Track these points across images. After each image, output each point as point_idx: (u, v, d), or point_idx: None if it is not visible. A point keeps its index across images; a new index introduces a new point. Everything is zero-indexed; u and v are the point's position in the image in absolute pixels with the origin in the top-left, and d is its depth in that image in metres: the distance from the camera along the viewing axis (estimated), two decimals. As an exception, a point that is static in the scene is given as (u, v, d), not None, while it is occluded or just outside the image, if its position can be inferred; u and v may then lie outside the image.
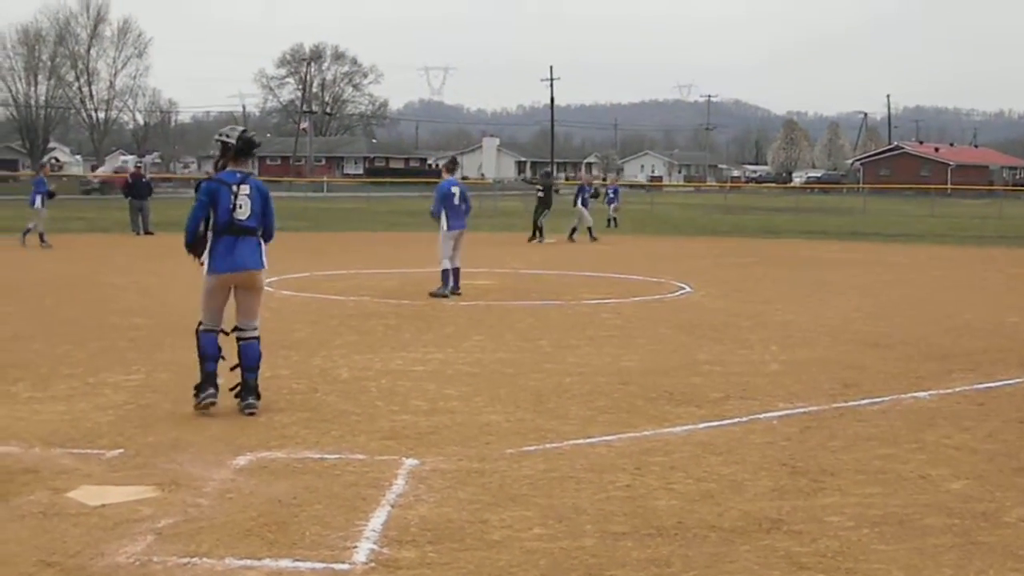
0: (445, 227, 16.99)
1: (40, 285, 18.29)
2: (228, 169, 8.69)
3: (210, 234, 8.56)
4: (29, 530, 5.78)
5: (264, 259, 8.73)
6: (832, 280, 21.01)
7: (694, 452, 7.59)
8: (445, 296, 16.79)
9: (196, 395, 8.47)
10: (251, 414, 8.46)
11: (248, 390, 8.62)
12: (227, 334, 8.65)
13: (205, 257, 8.57)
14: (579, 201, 32.39)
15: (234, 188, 8.53)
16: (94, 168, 79.36)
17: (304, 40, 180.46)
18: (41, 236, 27.18)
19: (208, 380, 8.49)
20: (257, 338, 8.75)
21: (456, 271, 17.02)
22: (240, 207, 8.52)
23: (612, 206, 39.38)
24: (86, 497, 6.35)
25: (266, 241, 8.78)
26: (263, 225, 8.72)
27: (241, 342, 8.68)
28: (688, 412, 8.87)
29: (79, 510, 6.12)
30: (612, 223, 38.45)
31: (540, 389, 9.72)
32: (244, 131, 8.82)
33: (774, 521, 6.06)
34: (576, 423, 8.45)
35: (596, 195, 35.17)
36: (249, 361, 8.65)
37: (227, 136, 8.73)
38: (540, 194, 31.90)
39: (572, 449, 7.65)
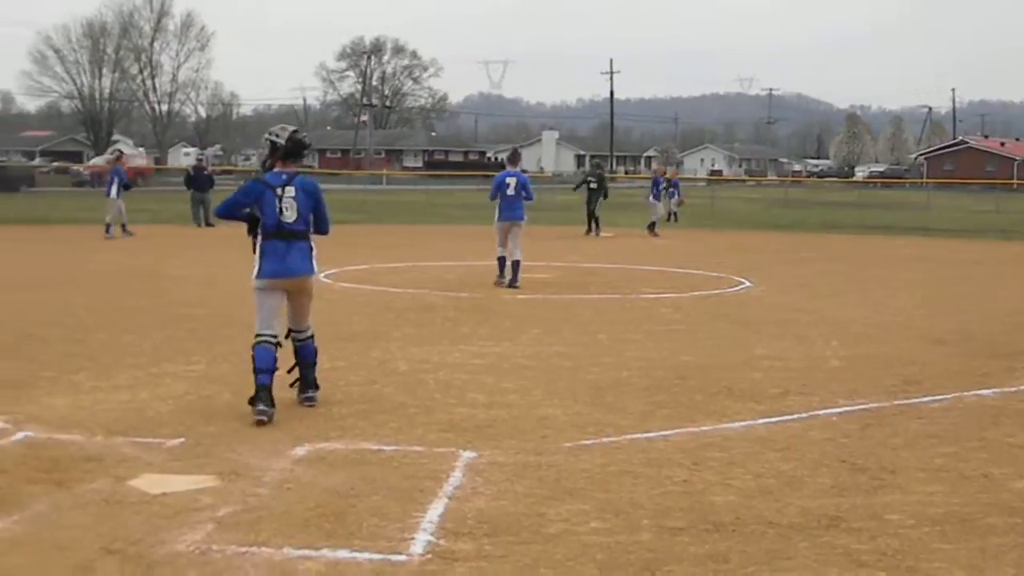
0: (496, 217, 17.52)
1: (105, 276, 18.54)
2: (275, 170, 8.43)
3: (259, 238, 8.37)
4: (92, 517, 5.86)
5: (314, 264, 8.51)
6: (894, 276, 20.78)
7: (753, 448, 7.55)
8: (501, 283, 17.12)
9: (252, 406, 8.15)
10: (311, 406, 8.51)
11: (307, 385, 8.62)
12: (281, 345, 8.38)
13: (255, 260, 8.40)
14: (653, 195, 32.18)
15: (278, 191, 8.28)
16: (159, 158, 77.68)
17: (364, 34, 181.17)
18: (123, 226, 27.69)
19: (261, 396, 8.08)
20: (311, 336, 8.69)
21: (516, 264, 17.11)
22: (286, 210, 8.28)
23: (673, 200, 39.20)
24: (147, 485, 6.42)
25: (322, 234, 8.62)
26: (316, 223, 8.52)
27: (297, 343, 8.64)
28: (747, 407, 8.81)
29: (140, 498, 6.19)
30: (672, 217, 38.27)
31: (598, 383, 9.71)
32: (295, 131, 8.54)
33: (833, 518, 6.01)
34: (634, 417, 8.42)
35: (669, 186, 34.83)
36: (306, 359, 8.63)
37: (276, 136, 8.45)
38: (592, 186, 31.80)
39: (630, 443, 7.63)
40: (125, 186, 28.12)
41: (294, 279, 8.40)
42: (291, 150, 8.42)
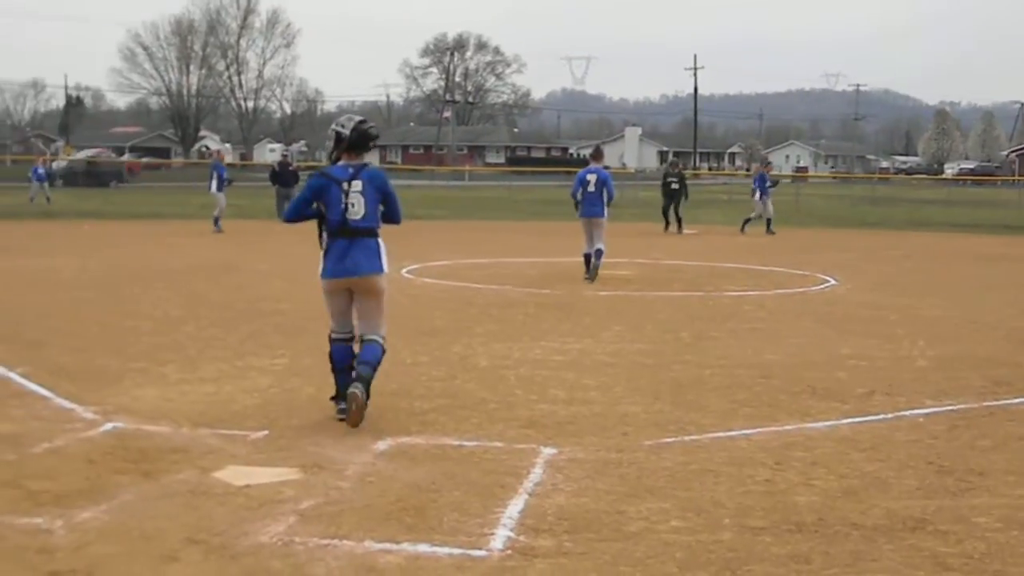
0: (578, 214, 17.87)
1: (192, 270, 18.81)
2: (341, 163, 8.02)
3: (325, 236, 8.08)
4: (177, 508, 5.94)
5: (383, 262, 8.00)
6: (984, 274, 20.41)
7: (837, 448, 7.45)
8: (588, 279, 17.21)
9: (334, 403, 8.12)
10: (353, 396, 7.78)
11: (357, 378, 7.77)
12: (358, 342, 8.14)
13: (321, 259, 8.13)
14: (758, 193, 31.63)
15: (344, 185, 7.87)
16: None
17: (448, 30, 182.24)
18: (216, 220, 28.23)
19: (342, 395, 7.95)
20: (379, 344, 8.01)
21: (598, 252, 17.43)
22: (352, 206, 7.86)
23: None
24: (232, 477, 6.51)
25: (394, 224, 8.25)
26: (387, 213, 8.15)
27: (363, 341, 8.11)
28: (831, 407, 8.70)
29: (225, 490, 6.28)
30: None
31: (679, 381, 9.65)
32: (362, 121, 8.15)
33: (919, 520, 5.91)
34: (716, 416, 8.36)
35: (775, 184, 34.09)
36: (364, 356, 7.91)
37: (341, 126, 8.07)
38: (675, 186, 31.53)
39: (711, 442, 7.57)
40: (228, 181, 28.77)
41: (357, 278, 8.01)
42: (356, 141, 8.02)
